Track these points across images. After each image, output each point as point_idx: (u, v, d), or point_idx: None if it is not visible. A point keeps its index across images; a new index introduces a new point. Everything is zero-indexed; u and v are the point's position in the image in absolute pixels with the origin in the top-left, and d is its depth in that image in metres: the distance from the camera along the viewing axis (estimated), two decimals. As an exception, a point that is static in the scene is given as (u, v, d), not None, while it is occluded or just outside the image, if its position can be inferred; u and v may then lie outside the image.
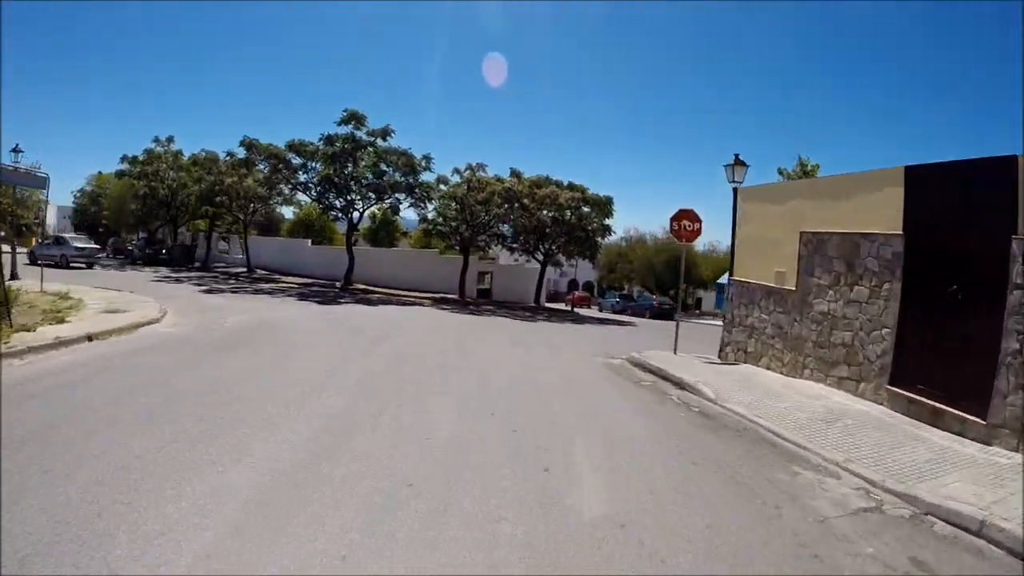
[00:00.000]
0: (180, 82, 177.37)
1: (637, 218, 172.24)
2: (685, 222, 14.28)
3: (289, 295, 25.31)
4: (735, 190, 14.82)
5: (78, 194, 56.31)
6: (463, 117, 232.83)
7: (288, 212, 50.87)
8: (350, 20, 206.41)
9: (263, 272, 40.11)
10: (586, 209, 34.36)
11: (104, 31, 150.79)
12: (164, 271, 35.54)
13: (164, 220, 47.58)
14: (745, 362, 13.15)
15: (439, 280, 35.39)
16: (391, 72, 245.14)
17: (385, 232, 52.22)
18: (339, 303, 23.50)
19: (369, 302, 25.33)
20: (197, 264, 44.37)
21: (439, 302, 29.54)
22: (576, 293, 43.97)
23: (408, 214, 36.57)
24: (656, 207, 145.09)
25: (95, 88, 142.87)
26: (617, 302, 46.34)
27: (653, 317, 39.01)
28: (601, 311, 46.82)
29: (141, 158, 42.61)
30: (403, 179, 31.99)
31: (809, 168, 29.39)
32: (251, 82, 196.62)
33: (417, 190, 32.17)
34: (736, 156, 14.81)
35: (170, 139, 43.42)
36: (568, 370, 11.43)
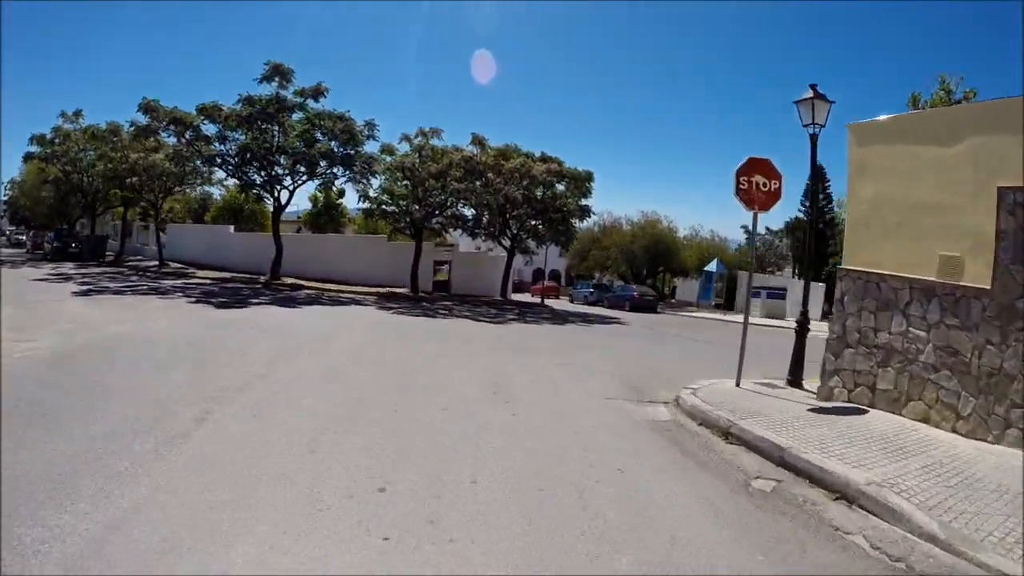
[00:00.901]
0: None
1: (611, 201, 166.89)
2: (758, 178, 9.00)
3: (190, 295, 19.40)
4: (813, 138, 9.85)
5: (8, 185, 49.77)
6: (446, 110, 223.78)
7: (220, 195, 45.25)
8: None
9: (178, 266, 33.99)
10: (560, 187, 29.00)
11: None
12: (68, 267, 29.71)
13: (82, 209, 41.95)
14: (871, 404, 7.97)
15: (388, 271, 29.63)
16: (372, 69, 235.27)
17: (328, 217, 45.99)
18: (249, 305, 17.70)
19: (292, 302, 19.54)
20: (110, 258, 38.55)
21: (386, 299, 23.90)
22: (544, 283, 38.77)
23: (352, 194, 30.53)
24: (632, 188, 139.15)
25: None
26: (591, 292, 41.47)
27: (633, 309, 34.27)
28: (572, 302, 42.04)
29: (49, 136, 35.82)
30: (339, 149, 25.99)
31: (959, 93, 20.80)
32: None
33: (357, 163, 26.15)
34: (814, 88, 9.68)
35: (78, 113, 36.47)
36: (597, 456, 5.64)
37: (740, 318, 33.47)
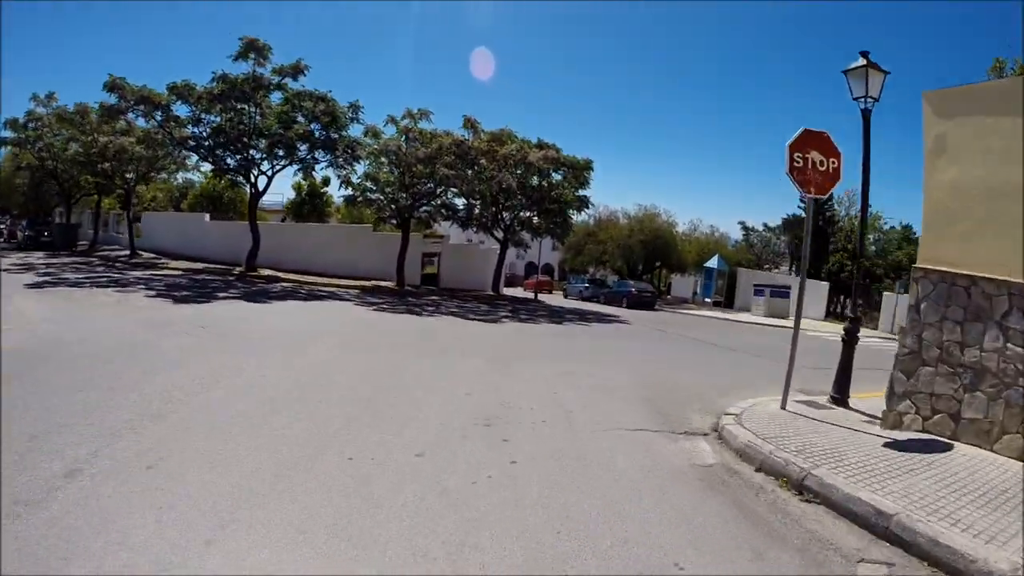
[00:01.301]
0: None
1: (607, 194, 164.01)
2: (815, 155, 7.40)
3: (152, 288, 17.67)
4: (866, 114, 8.33)
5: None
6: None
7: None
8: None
9: (150, 256, 32.15)
10: (557, 176, 27.32)
11: None
12: (37, 257, 28.13)
13: (58, 196, 40.41)
14: (954, 436, 6.43)
15: (373, 263, 27.91)
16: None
17: (312, 206, 44.11)
18: (214, 300, 15.98)
19: (264, 296, 17.84)
20: (83, 247, 36.94)
21: (369, 293, 22.25)
22: (537, 278, 37.20)
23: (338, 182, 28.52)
24: (628, 181, 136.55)
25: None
26: (586, 288, 39.88)
27: (631, 306, 32.77)
28: (567, 298, 40.47)
29: (22, 121, 33.65)
30: (320, 132, 24.21)
31: None
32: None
33: (340, 147, 24.34)
34: (866, 56, 8.13)
35: (51, 96, 34.27)
36: (639, 544, 3.91)
37: (744, 316, 32.22)
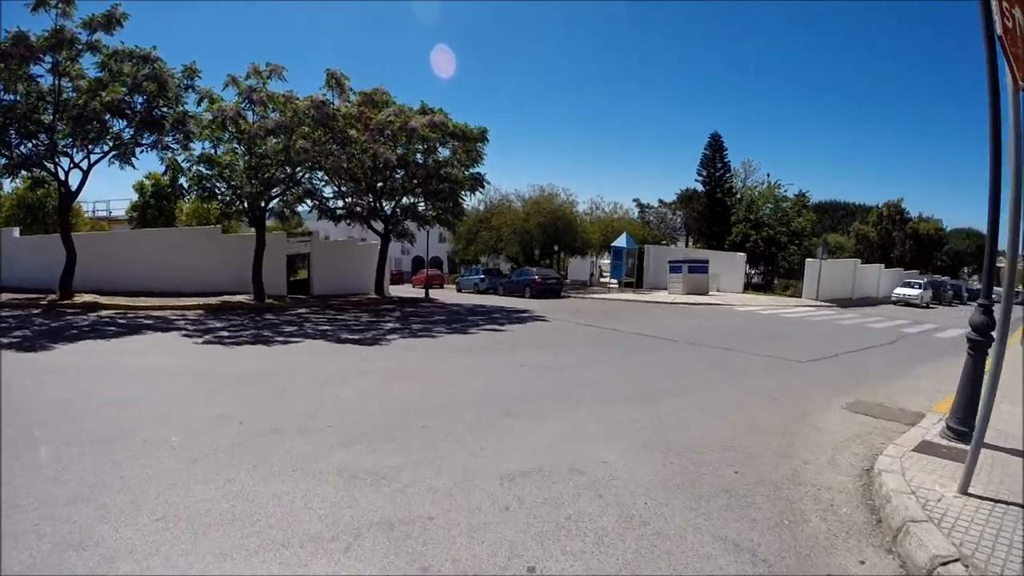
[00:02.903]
0: None
1: (499, 175, 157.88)
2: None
3: None
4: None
5: None
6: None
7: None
8: None
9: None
10: (445, 152, 23.02)
11: None
12: None
13: None
14: None
15: (227, 273, 22.67)
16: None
17: (159, 210, 37.23)
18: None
19: (57, 338, 12.41)
20: None
21: (215, 313, 17.27)
22: (426, 272, 33.07)
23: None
24: (523, 161, 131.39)
25: None
26: (482, 279, 36.27)
27: (536, 296, 29.78)
28: (461, 292, 36.91)
29: None
30: (143, 105, 18.47)
31: None
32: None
33: (168, 123, 18.50)
34: None
35: None
36: None
37: (661, 296, 28.30)
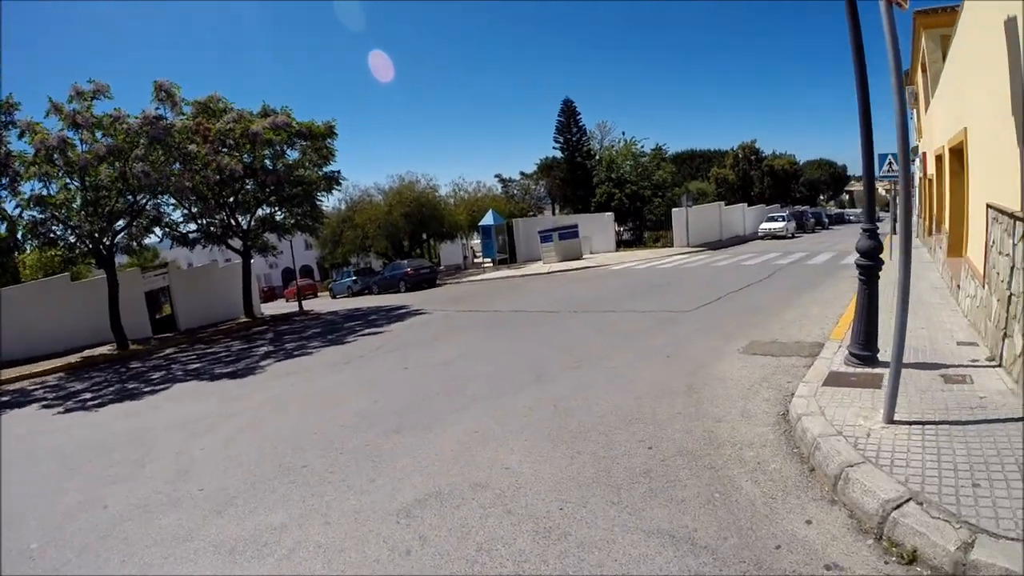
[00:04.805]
0: None
1: (354, 171, 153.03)
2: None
3: None
4: None
5: None
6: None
7: None
8: None
9: None
10: (293, 154, 21.63)
11: None
12: None
13: None
14: None
15: (86, 324, 19.90)
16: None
17: (0, 267, 32.61)
18: None
19: None
20: None
21: (74, 374, 15.29)
22: (297, 283, 31.59)
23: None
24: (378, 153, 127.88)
25: None
26: (354, 281, 35.33)
27: (412, 288, 29.17)
28: (335, 297, 35.74)
29: None
30: None
31: None
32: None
33: None
34: None
35: None
36: None
37: (536, 268, 28.58)
